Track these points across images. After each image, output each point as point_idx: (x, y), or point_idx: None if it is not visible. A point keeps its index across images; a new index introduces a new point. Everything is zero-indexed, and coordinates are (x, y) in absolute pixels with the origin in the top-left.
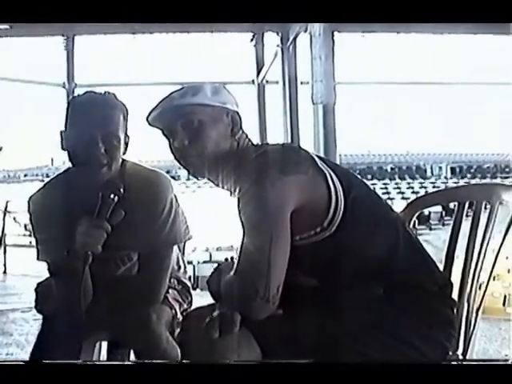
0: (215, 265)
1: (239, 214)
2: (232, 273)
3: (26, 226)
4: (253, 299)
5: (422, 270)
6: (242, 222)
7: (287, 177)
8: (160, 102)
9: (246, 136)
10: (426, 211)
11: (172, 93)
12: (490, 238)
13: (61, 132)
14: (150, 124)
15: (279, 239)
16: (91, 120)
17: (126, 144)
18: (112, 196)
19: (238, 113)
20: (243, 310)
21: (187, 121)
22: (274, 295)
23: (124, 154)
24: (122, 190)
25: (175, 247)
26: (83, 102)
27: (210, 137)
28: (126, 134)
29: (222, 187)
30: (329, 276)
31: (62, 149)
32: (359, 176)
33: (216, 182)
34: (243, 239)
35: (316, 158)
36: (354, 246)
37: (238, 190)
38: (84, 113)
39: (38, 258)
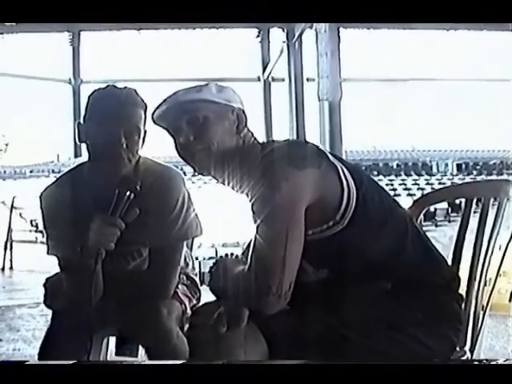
0: None
1: (252, 209)
2: (246, 267)
3: (31, 222)
4: (265, 295)
5: (429, 265)
6: (255, 218)
7: (301, 171)
8: (164, 99)
9: (252, 134)
10: (431, 208)
11: (177, 91)
12: (497, 235)
13: (78, 124)
14: (154, 122)
15: (294, 235)
16: (115, 114)
17: (143, 140)
18: (128, 193)
19: (243, 111)
20: (254, 305)
21: (192, 117)
22: (286, 291)
23: (141, 149)
24: (137, 188)
25: (184, 243)
26: (106, 96)
27: (216, 133)
28: (144, 129)
29: (228, 184)
30: (338, 270)
31: (79, 141)
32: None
33: (221, 179)
34: (256, 235)
35: (327, 153)
36: (365, 240)
37: (250, 187)
38: (107, 107)
39: (47, 253)
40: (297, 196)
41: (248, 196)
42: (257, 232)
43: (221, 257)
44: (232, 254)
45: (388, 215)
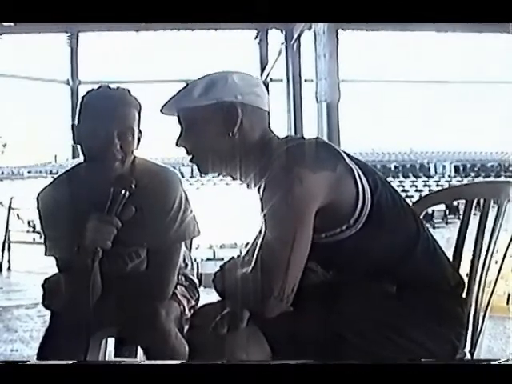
0: (219, 262)
1: (262, 209)
2: (249, 269)
3: (29, 223)
4: (267, 297)
5: (436, 269)
6: (264, 218)
7: (315, 174)
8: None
9: (254, 125)
10: (429, 209)
11: (173, 96)
12: (497, 237)
13: (72, 125)
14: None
15: (301, 239)
16: (107, 115)
17: (139, 140)
18: (123, 192)
19: (238, 103)
20: (255, 306)
21: (180, 125)
22: (288, 295)
23: (136, 149)
24: (133, 186)
25: (183, 244)
26: (99, 97)
27: (202, 137)
28: (139, 129)
29: (242, 181)
30: (346, 272)
31: (74, 143)
32: None
33: (235, 176)
34: (264, 236)
35: (344, 155)
36: (377, 244)
37: (262, 185)
38: (100, 108)
39: (45, 254)
40: (308, 200)
41: (259, 192)
42: (264, 232)
43: (232, 258)
44: (239, 257)
45: (401, 218)
